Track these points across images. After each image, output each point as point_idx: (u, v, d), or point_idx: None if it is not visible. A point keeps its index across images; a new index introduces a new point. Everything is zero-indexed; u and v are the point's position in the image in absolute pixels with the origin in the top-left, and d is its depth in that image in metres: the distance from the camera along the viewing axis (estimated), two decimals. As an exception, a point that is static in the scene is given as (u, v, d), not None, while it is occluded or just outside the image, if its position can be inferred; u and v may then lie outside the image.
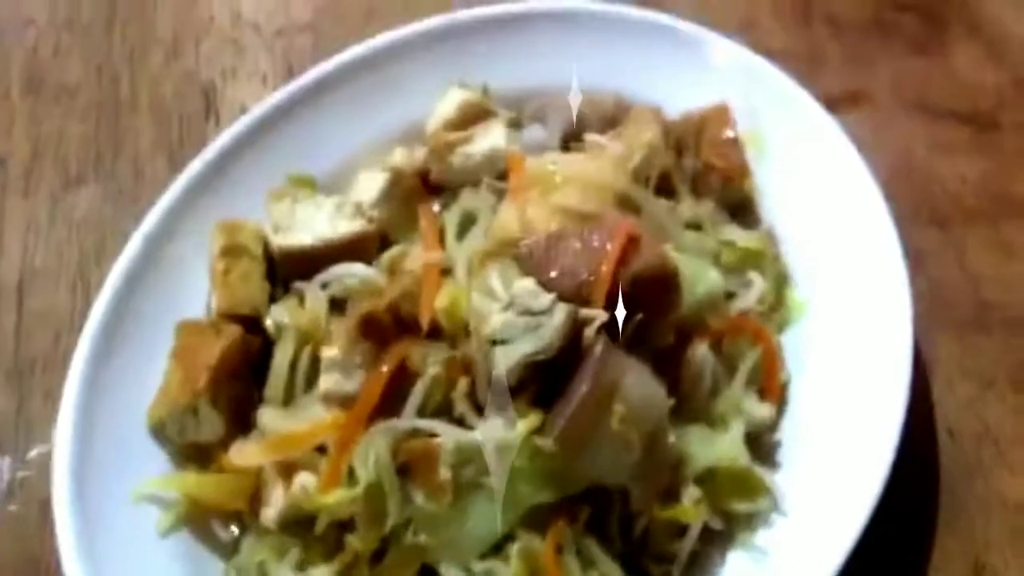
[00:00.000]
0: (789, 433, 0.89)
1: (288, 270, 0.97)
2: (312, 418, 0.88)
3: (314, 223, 0.98)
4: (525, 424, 0.80)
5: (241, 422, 0.92)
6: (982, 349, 0.97)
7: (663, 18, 1.06)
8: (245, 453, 0.88)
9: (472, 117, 1.01)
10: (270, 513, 0.87)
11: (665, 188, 0.98)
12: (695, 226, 0.96)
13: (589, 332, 0.81)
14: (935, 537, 0.90)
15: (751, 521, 0.85)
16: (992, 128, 1.10)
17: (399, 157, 1.01)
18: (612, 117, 1.02)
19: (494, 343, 0.81)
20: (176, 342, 0.92)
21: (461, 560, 0.82)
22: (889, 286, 0.89)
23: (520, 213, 0.90)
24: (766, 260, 0.94)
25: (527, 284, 0.83)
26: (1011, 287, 1.00)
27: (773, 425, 0.89)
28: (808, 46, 1.16)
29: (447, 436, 0.82)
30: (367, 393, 0.84)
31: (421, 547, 0.83)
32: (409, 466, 0.82)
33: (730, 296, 0.92)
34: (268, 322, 0.94)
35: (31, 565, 0.93)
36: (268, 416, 0.90)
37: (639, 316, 0.82)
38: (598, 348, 0.80)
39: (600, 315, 0.81)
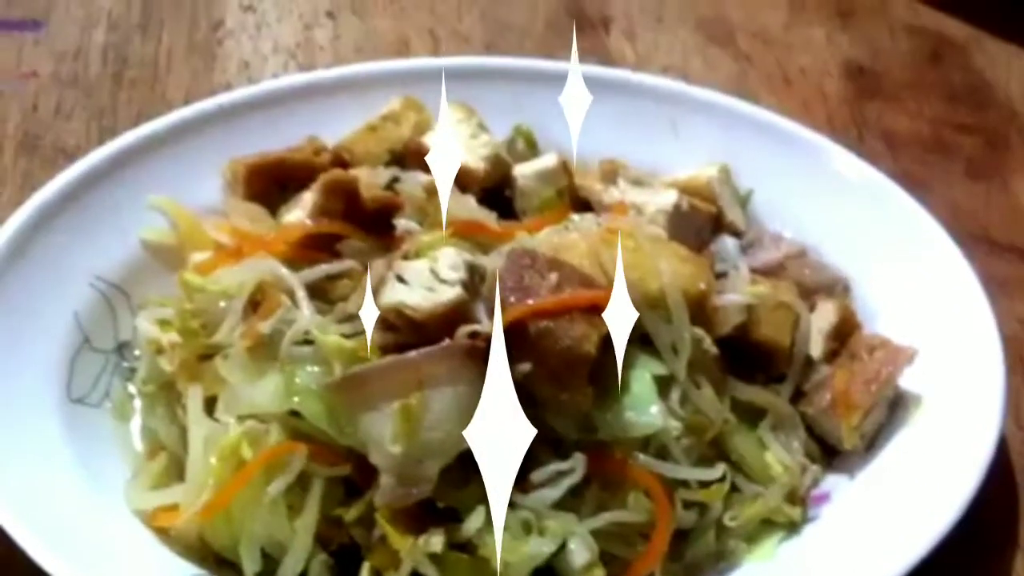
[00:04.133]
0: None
1: (410, 162, 1.02)
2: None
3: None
4: (340, 347, 0.81)
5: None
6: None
7: (788, 124, 1.08)
8: (210, 224, 0.98)
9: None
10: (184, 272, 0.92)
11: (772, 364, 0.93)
12: (745, 408, 0.89)
13: (462, 332, 0.80)
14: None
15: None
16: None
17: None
18: (828, 287, 1.00)
19: (399, 278, 0.82)
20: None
21: (227, 409, 0.83)
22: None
23: (565, 237, 0.89)
24: (774, 480, 0.87)
25: (460, 256, 0.84)
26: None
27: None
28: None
29: (294, 306, 0.84)
30: (282, 231, 0.91)
31: (219, 376, 0.84)
32: (255, 305, 0.85)
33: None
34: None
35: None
36: (236, 210, 0.97)
37: (526, 368, 0.80)
38: (446, 343, 0.79)
39: (483, 326, 0.81)
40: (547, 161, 1.03)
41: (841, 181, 1.07)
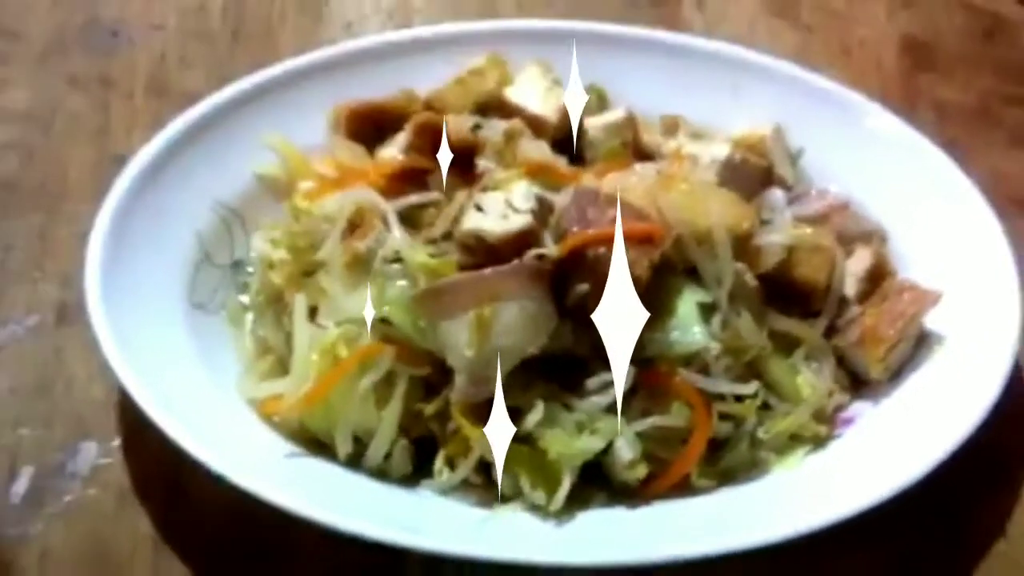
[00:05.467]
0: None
1: (492, 112, 1.12)
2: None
3: (530, 94, 1.13)
4: (425, 265, 0.93)
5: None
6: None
7: (838, 89, 1.17)
8: (316, 159, 1.09)
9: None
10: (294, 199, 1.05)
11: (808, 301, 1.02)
12: (781, 338, 0.99)
13: (530, 254, 0.92)
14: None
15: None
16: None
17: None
18: (866, 236, 1.08)
19: (477, 207, 0.95)
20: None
21: (327, 316, 0.95)
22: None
23: (625, 181, 1.00)
24: (804, 401, 0.97)
25: (531, 189, 0.96)
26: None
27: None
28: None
29: (386, 229, 0.96)
30: (378, 165, 1.03)
31: (321, 288, 0.97)
32: (353, 227, 0.97)
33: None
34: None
35: (99, 553, 0.90)
36: (338, 147, 1.08)
37: (584, 288, 0.91)
38: (516, 262, 0.91)
39: (550, 250, 0.92)
40: (615, 115, 1.14)
41: (884, 142, 1.16)
